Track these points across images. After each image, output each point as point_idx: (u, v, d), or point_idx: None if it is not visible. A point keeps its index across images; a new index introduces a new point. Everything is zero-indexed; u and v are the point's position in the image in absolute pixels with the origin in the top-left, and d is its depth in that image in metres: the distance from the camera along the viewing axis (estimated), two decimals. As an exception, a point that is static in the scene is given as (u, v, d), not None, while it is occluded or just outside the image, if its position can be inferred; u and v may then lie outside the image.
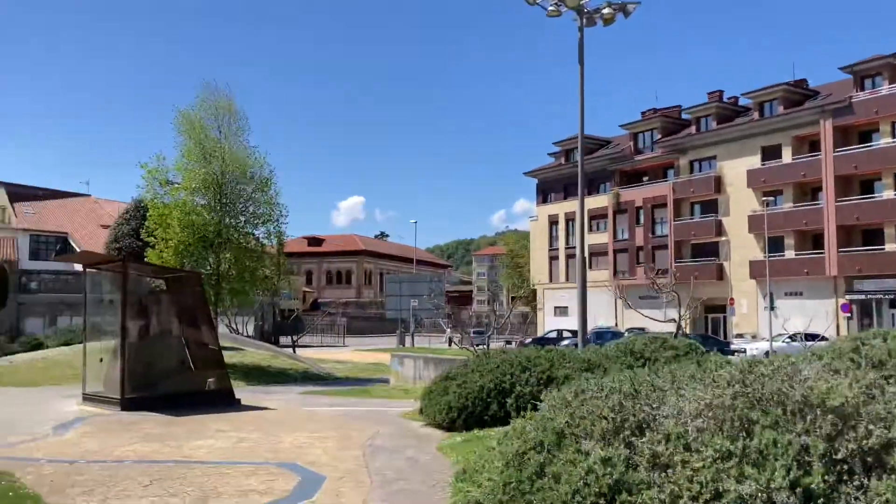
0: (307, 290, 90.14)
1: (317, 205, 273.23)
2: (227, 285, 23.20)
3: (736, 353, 37.46)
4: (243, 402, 15.64)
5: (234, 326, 37.19)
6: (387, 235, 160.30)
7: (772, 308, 37.77)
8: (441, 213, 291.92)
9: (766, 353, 34.07)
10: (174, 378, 15.31)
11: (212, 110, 23.36)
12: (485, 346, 23.17)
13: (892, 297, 44.34)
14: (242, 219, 23.34)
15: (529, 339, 46.07)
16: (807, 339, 36.50)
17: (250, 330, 42.99)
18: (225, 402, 15.25)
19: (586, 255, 17.40)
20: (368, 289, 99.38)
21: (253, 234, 23.59)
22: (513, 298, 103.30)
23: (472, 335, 37.01)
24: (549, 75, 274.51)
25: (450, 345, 48.82)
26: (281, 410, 14.60)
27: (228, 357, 25.60)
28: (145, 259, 22.03)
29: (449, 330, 47.12)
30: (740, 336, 47.40)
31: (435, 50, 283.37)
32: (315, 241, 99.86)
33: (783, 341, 35.50)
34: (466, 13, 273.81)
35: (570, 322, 60.17)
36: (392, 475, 8.25)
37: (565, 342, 44.53)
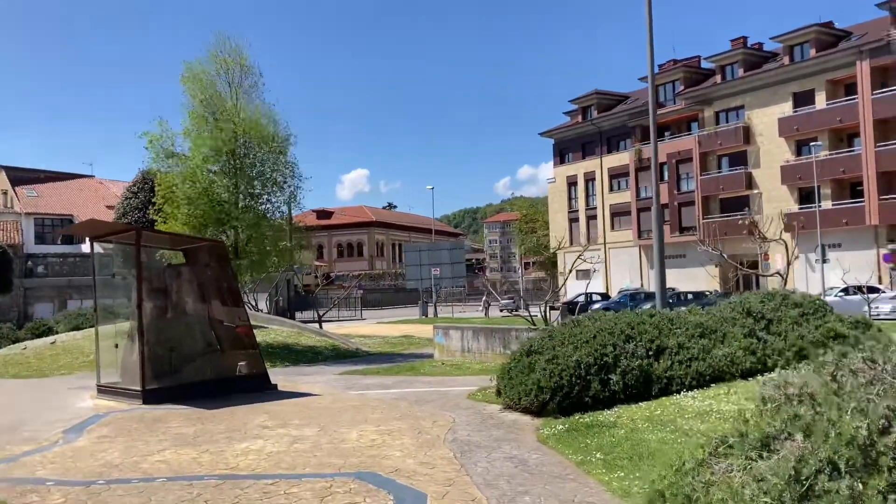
0: (319, 263, 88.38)
1: (321, 179, 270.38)
2: (245, 258, 21.18)
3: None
4: (280, 387, 13.72)
5: (251, 303, 35.26)
6: (394, 206, 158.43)
7: (824, 261, 35.65)
8: (446, 183, 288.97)
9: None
10: (201, 363, 13.38)
11: (222, 65, 21.13)
12: (526, 313, 21.16)
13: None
14: (258, 184, 21.22)
15: (559, 305, 44.03)
16: (860, 292, 34.54)
17: (264, 306, 41.06)
18: (260, 387, 13.33)
19: (659, 205, 15.22)
20: (381, 260, 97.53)
21: (270, 201, 21.53)
22: (528, 264, 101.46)
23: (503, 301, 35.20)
24: (545, 39, 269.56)
25: (486, 313, 47.04)
26: (326, 396, 12.65)
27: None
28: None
29: (485, 298, 45.13)
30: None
31: (431, 23, 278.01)
32: (324, 213, 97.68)
33: (836, 295, 33.37)
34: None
35: (594, 285, 58.21)
36: (507, 487, 6.28)
37: (596, 306, 42.54)
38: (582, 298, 47.55)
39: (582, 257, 19.01)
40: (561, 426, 8.54)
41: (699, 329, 9.88)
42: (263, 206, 21.48)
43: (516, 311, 22.96)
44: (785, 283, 22.74)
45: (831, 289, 34.54)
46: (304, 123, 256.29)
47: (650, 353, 9.41)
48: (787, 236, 47.73)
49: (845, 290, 34.04)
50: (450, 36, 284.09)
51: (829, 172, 45.62)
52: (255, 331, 24.80)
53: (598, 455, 7.07)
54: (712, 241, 52.34)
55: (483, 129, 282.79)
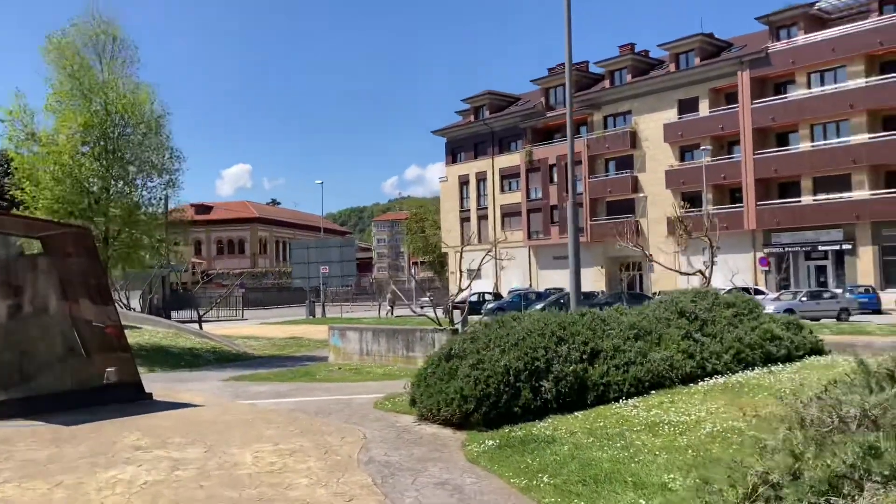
0: (197, 260, 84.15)
1: (198, 172, 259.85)
2: (116, 249, 19.00)
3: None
4: (156, 397, 11.99)
5: (123, 301, 32.42)
6: (278, 203, 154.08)
7: (713, 263, 36.44)
8: (332, 182, 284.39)
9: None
10: (60, 370, 11.45)
11: (91, 36, 18.85)
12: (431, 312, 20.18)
13: (807, 249, 44.41)
14: (133, 168, 19.05)
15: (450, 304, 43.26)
16: (748, 293, 35.67)
17: (137, 305, 38.08)
18: (132, 398, 11.57)
19: (574, 199, 14.53)
20: (264, 258, 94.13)
21: (147, 187, 19.39)
22: (417, 263, 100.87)
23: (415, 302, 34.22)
24: (434, 39, 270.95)
25: (391, 313, 45.62)
26: (211, 407, 11.08)
27: (123, 337, 21.48)
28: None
29: (389, 296, 43.55)
30: (662, 293, 46.34)
31: (319, 19, 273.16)
32: (203, 208, 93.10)
33: (721, 297, 34.22)
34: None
35: (484, 285, 58.14)
36: (449, 523, 5.13)
37: (490, 305, 42.19)
38: (475, 297, 47.21)
39: (491, 254, 18.06)
40: (491, 441, 7.48)
41: (633, 330, 9.10)
42: (138, 194, 19.34)
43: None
44: (708, 283, 22.70)
45: (718, 290, 35.36)
46: (182, 111, 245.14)
47: (584, 356, 8.53)
48: (669, 240, 49.30)
49: (728, 292, 35.03)
50: (337, 32, 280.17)
51: (711, 178, 47.17)
52: (127, 332, 22.55)
53: (544, 479, 6.05)
54: (594, 244, 53.33)
55: (371, 128, 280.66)
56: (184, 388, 13.59)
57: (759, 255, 45.27)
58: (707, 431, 6.64)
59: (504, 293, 52.91)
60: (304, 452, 7.47)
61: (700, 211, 48.15)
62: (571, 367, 8.31)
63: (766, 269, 44.95)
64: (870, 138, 40.94)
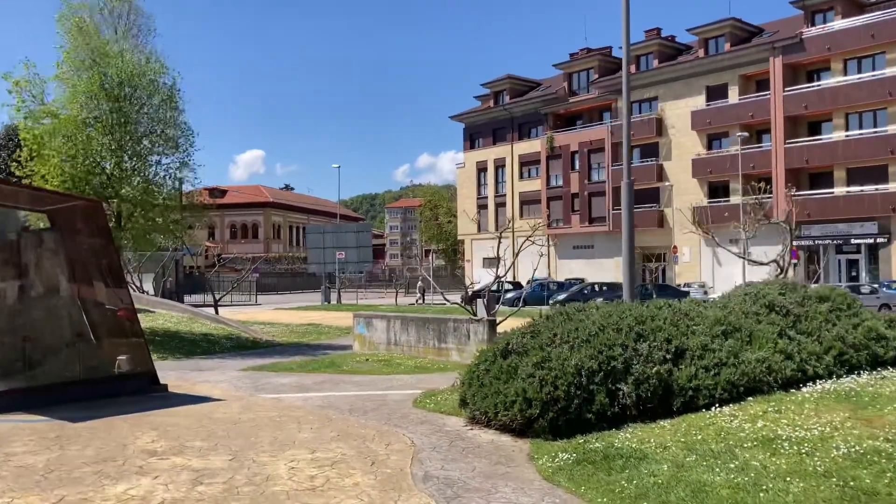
0: (211, 244, 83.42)
1: (212, 157, 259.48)
2: (130, 229, 17.95)
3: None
4: (172, 388, 10.96)
5: (136, 283, 31.48)
6: (292, 188, 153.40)
7: (748, 255, 35.20)
8: (344, 168, 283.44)
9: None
10: (67, 357, 10.43)
11: (106, 3, 17.76)
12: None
13: (839, 242, 42.97)
14: (147, 143, 17.96)
15: (470, 293, 42.17)
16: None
17: (150, 288, 37.13)
18: (146, 389, 10.54)
19: (630, 179, 13.33)
20: (277, 243, 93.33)
21: (161, 164, 18.27)
22: (430, 251, 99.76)
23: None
24: (447, 27, 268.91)
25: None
26: (232, 401, 10.01)
27: (135, 322, 20.50)
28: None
29: (421, 283, 42.13)
30: (687, 286, 45.07)
31: (332, 6, 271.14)
32: (217, 192, 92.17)
33: (754, 290, 32.91)
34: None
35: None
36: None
37: (509, 295, 41.00)
38: (494, 286, 46.04)
39: (531, 239, 16.91)
40: (566, 455, 6.36)
41: (720, 326, 7.93)
42: (153, 171, 18.24)
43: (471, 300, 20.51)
44: (784, 274, 21.41)
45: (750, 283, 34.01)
46: (197, 96, 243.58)
47: (668, 356, 7.37)
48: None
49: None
50: (350, 19, 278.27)
51: (741, 167, 45.78)
52: (140, 315, 21.57)
53: (651, 508, 4.91)
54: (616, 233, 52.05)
55: (383, 116, 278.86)
56: (200, 379, 12.54)
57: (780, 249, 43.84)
58: (842, 452, 5.49)
59: (523, 283, 51.67)
60: (347, 463, 6.37)
61: (726, 200, 46.91)
62: (654, 369, 7.16)
63: (796, 262, 43.49)
64: (908, 128, 39.42)
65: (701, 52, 48.40)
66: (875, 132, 40.82)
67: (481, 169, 62.31)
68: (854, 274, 42.77)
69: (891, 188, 39.98)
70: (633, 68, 52.34)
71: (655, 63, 50.80)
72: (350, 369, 13.44)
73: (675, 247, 48.51)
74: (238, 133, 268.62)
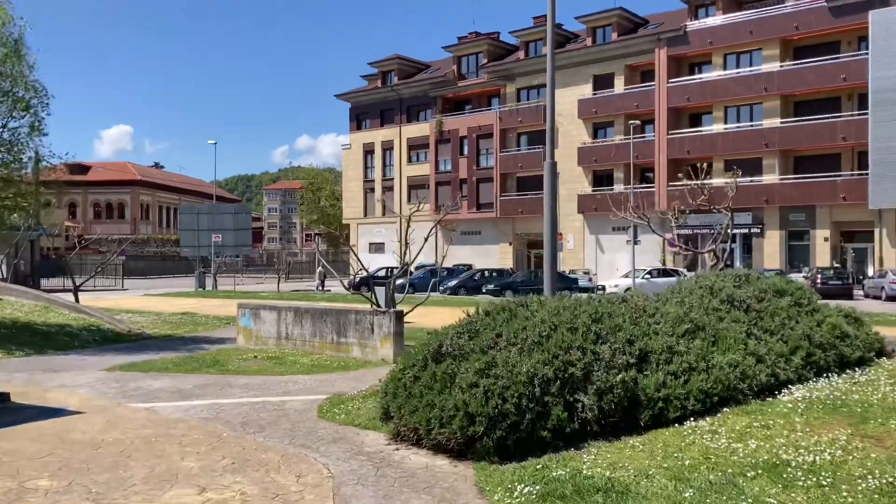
0: (71, 224, 77.30)
1: (74, 131, 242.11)
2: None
3: (595, 291, 35.01)
4: (16, 397, 8.98)
5: (-20, 268, 27.94)
6: (162, 166, 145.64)
7: (635, 242, 35.57)
8: (219, 147, 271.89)
9: (628, 290, 31.73)
10: None
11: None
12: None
13: (714, 231, 44.37)
14: (-9, 104, 15.33)
15: (356, 280, 40.59)
16: (664, 275, 34.97)
17: (3, 272, 33.29)
18: (-20, 402, 8.52)
19: (553, 160, 12.27)
20: (146, 224, 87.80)
21: (7, 128, 15.62)
22: (310, 236, 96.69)
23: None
24: (332, 5, 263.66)
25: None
26: (94, 414, 8.20)
27: (-24, 312, 17.74)
28: None
29: (320, 269, 39.41)
30: (573, 272, 45.39)
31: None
32: (79, 168, 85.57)
33: (643, 277, 33.29)
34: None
35: (386, 259, 55.68)
36: None
37: (399, 282, 39.73)
38: (382, 272, 44.66)
39: (444, 223, 15.67)
40: (525, 487, 5.15)
41: (684, 324, 6.98)
42: (-1, 136, 15.60)
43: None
44: (722, 265, 20.96)
45: (640, 270, 34.41)
46: (56, 61, 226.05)
47: (632, 360, 6.31)
48: (578, 218, 48.39)
49: (651, 273, 34.25)
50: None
51: (623, 157, 46.47)
52: (-19, 305, 18.71)
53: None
54: (503, 219, 51.88)
55: (261, 94, 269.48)
56: (54, 383, 10.52)
57: (669, 236, 44.94)
58: (871, 486, 4.58)
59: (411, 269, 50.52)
60: (249, 506, 4.90)
61: (610, 189, 47.64)
62: (619, 376, 6.08)
63: (676, 250, 44.72)
64: (782, 122, 41.12)
65: (588, 41, 48.71)
66: (751, 125, 42.34)
67: (368, 151, 60.55)
68: (729, 263, 44.33)
69: (765, 180, 41.62)
70: (522, 54, 52.19)
71: (544, 50, 50.65)
72: (237, 369, 11.74)
73: (560, 234, 48.72)
74: (103, 106, 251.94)
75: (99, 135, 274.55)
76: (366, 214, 60.57)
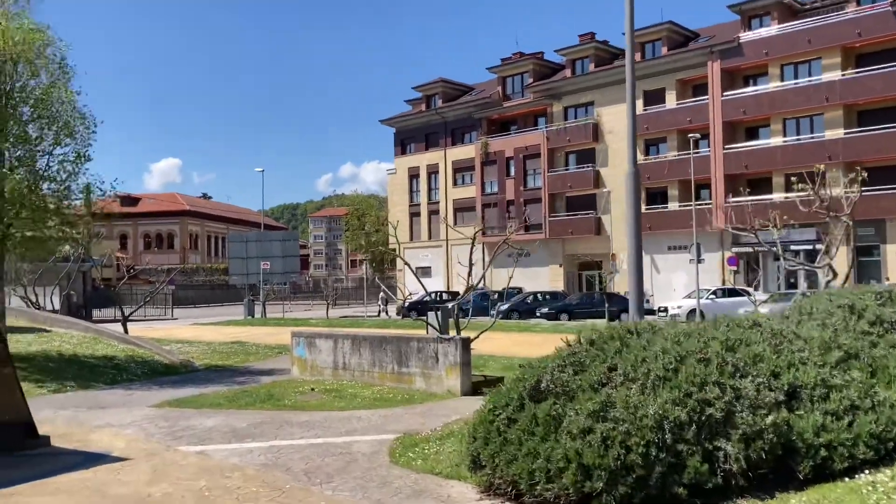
0: (121, 254, 78.22)
1: (126, 165, 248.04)
2: (17, 228, 14.79)
3: (657, 314, 33.54)
4: (57, 438, 8.16)
5: (32, 299, 27.76)
6: (209, 197, 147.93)
7: (699, 260, 34.05)
8: (265, 177, 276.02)
9: (693, 312, 30.30)
10: None
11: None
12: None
13: (776, 249, 42.45)
14: (34, 128, 14.78)
15: (405, 305, 39.73)
16: (730, 295, 33.33)
17: (56, 303, 33.21)
18: (15, 445, 7.71)
19: (636, 168, 11.14)
20: (195, 253, 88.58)
21: (52, 154, 15.07)
22: (355, 262, 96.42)
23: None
24: (374, 34, 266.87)
25: (404, 315, 40.69)
26: (140, 461, 7.31)
27: (26, 344, 17.23)
28: None
29: (382, 294, 38.28)
30: (627, 294, 43.81)
31: (251, 9, 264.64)
32: (129, 200, 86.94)
33: (707, 297, 31.70)
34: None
35: (433, 283, 54.82)
36: None
37: (449, 305, 38.76)
38: (429, 298, 43.71)
39: (509, 242, 14.69)
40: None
41: (835, 352, 5.83)
42: (42, 162, 15.06)
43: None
44: (835, 279, 19.59)
45: (703, 290, 32.82)
46: (111, 101, 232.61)
47: (780, 398, 5.18)
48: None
49: (716, 293, 32.67)
50: (270, 23, 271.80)
51: (677, 173, 44.98)
52: (31, 336, 18.23)
53: None
54: (553, 240, 50.65)
55: (305, 124, 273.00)
56: (100, 422, 9.72)
57: (728, 254, 43.15)
58: None
59: (459, 293, 49.42)
60: None
61: (664, 207, 46.11)
62: (769, 417, 4.96)
63: (735, 269, 42.88)
64: (845, 133, 39.26)
65: (637, 56, 47.47)
66: (812, 137, 40.54)
67: (413, 175, 59.97)
68: (792, 281, 42.39)
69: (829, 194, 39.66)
70: (568, 72, 51.20)
71: (591, 67, 49.65)
72: (293, 404, 10.82)
73: (613, 254, 47.24)
74: (153, 141, 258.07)
75: (149, 168, 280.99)
76: (411, 238, 59.83)
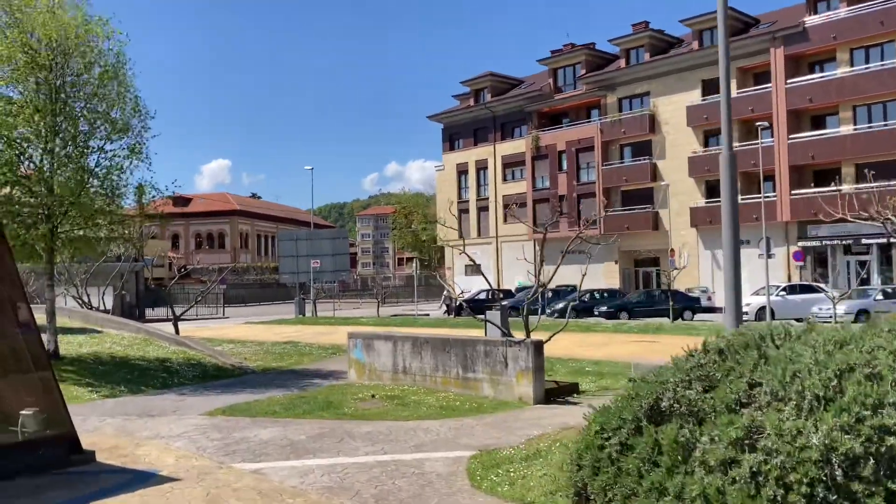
0: (173, 254, 79.10)
1: (178, 167, 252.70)
2: (66, 229, 14.34)
3: (723, 311, 32.01)
4: (103, 453, 7.48)
5: (84, 299, 27.66)
6: (259, 196, 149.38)
7: (769, 255, 32.44)
8: (310, 177, 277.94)
9: (763, 310, 28.76)
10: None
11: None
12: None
13: (848, 242, 40.41)
14: (84, 124, 14.30)
15: (455, 303, 38.82)
16: (803, 292, 31.66)
17: (109, 303, 33.25)
18: (58, 462, 7.03)
19: (732, 151, 9.93)
20: (245, 252, 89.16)
21: (104, 150, 14.58)
22: (402, 260, 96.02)
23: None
24: (418, 33, 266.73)
25: (449, 313, 40.35)
26: (191, 481, 6.57)
27: (77, 345, 16.84)
28: None
29: (446, 293, 37.03)
30: (689, 291, 42.24)
31: (296, 17, 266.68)
32: (181, 200, 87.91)
33: (777, 295, 30.10)
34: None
35: (483, 282, 53.82)
36: None
37: (504, 303, 37.75)
38: (483, 295, 42.77)
39: (581, 243, 13.71)
40: None
41: None
42: (93, 158, 14.58)
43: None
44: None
45: (772, 286, 31.19)
46: (162, 104, 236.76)
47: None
48: (691, 232, 45.17)
49: (786, 290, 31.02)
50: (313, 23, 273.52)
51: (739, 165, 42.66)
52: (82, 337, 17.84)
53: None
54: (615, 234, 49.27)
55: (351, 124, 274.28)
56: (148, 432, 9.04)
57: (794, 249, 41.21)
58: None
59: (510, 291, 48.39)
60: None
61: (720, 201, 44.24)
62: (970, 451, 3.92)
63: (801, 264, 40.90)
64: (922, 120, 37.12)
65: (695, 45, 45.79)
66: (886, 125, 38.40)
67: (461, 171, 59.13)
68: (865, 276, 40.25)
69: (905, 184, 37.50)
70: (622, 62, 49.71)
71: (647, 57, 48.07)
72: (354, 412, 10.01)
73: (672, 250, 45.60)
74: (204, 142, 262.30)
75: (199, 169, 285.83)
76: (460, 236, 58.94)
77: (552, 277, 13.55)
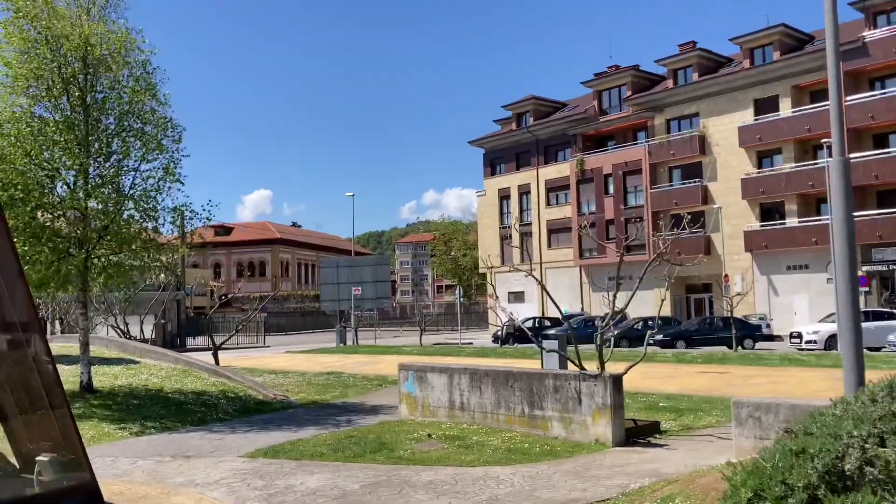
0: (215, 283, 79.25)
1: (220, 198, 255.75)
2: (101, 257, 13.57)
3: (791, 339, 30.28)
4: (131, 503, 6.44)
5: (122, 328, 27.07)
6: (299, 225, 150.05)
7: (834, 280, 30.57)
8: (349, 206, 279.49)
9: (832, 338, 26.96)
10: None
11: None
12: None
13: (919, 267, 38.25)
14: (117, 141, 13.57)
15: (504, 331, 37.50)
16: (875, 319, 29.68)
17: (147, 332, 32.71)
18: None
19: (845, 154, 8.62)
20: (286, 280, 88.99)
21: (138, 171, 13.83)
22: (441, 287, 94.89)
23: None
24: (455, 58, 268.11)
25: (503, 343, 37.74)
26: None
27: (112, 377, 16.00)
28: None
29: (503, 315, 34.77)
30: (746, 318, 40.32)
31: (324, 41, 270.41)
32: (223, 229, 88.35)
33: (848, 322, 28.10)
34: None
35: (527, 309, 52.50)
36: None
37: (552, 332, 36.36)
38: (531, 323, 41.43)
39: (664, 257, 12.51)
40: None
41: None
42: (128, 179, 13.83)
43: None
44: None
45: (830, 315, 29.27)
46: (203, 136, 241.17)
47: None
48: (745, 257, 43.32)
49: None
50: (346, 56, 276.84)
51: (795, 186, 41.42)
52: (118, 368, 17.01)
53: None
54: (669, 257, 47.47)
55: (389, 152, 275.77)
56: (182, 478, 8.01)
57: (858, 273, 39.16)
58: None
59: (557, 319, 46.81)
60: None
61: (782, 224, 42.40)
62: None
63: (866, 289, 38.78)
64: None
65: (746, 63, 44.30)
66: (954, 143, 36.43)
67: (503, 196, 58.08)
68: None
69: (977, 205, 35.45)
70: (670, 83, 48.39)
71: (695, 76, 46.68)
72: (411, 456, 8.86)
73: (725, 275, 43.76)
74: (246, 172, 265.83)
75: (241, 200, 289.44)
76: (503, 262, 57.71)
77: (629, 302, 12.24)
